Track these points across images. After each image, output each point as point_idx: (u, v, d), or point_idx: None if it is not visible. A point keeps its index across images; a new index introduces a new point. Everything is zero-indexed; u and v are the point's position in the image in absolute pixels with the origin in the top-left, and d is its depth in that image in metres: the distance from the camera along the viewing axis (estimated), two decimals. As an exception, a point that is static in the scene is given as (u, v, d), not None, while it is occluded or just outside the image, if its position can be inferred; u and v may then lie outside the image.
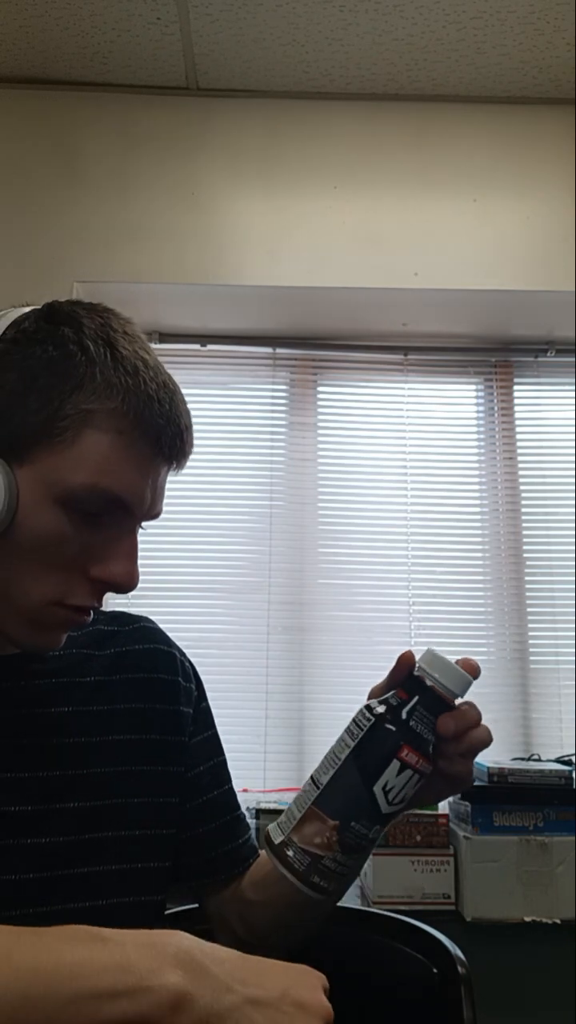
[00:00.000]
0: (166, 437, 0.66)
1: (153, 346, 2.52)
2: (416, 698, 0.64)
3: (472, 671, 0.65)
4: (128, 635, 0.82)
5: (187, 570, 2.09)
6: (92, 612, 0.69)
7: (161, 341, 2.18)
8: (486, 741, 0.67)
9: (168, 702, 0.80)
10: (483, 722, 0.67)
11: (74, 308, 0.68)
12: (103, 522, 0.65)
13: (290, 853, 0.61)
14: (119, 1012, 0.44)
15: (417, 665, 0.65)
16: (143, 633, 0.83)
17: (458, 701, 0.66)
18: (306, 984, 0.48)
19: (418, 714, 0.63)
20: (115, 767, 0.74)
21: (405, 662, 0.66)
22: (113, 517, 0.65)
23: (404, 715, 0.63)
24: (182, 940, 0.48)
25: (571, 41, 1.89)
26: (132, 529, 0.67)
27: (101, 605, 0.69)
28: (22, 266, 1.94)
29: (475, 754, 0.67)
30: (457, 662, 0.65)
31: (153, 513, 0.69)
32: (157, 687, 0.80)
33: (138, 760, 0.76)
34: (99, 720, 0.75)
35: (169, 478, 0.71)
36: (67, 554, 0.64)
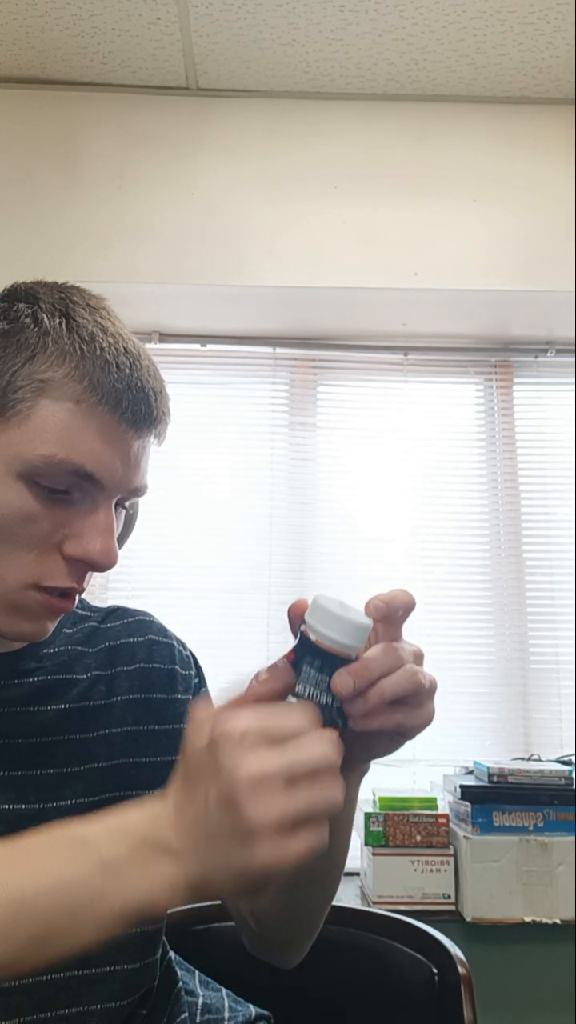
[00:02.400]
0: (127, 402, 0.63)
1: (153, 346, 2.50)
2: (303, 659, 0.54)
3: (374, 612, 0.55)
4: (123, 628, 0.82)
5: (187, 570, 2.08)
6: (75, 596, 0.67)
7: (161, 341, 2.18)
8: (407, 687, 0.55)
9: (165, 691, 0.80)
10: (430, 674, 0.56)
11: (34, 286, 0.68)
12: (74, 497, 0.63)
13: None
14: (116, 914, 0.48)
15: (303, 619, 0.55)
16: (138, 626, 0.83)
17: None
18: (268, 807, 0.47)
19: (305, 676, 0.53)
20: (111, 760, 0.74)
21: (293, 616, 0.57)
22: (84, 492, 0.63)
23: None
24: (151, 821, 0.51)
25: (571, 41, 1.89)
26: (107, 504, 0.64)
27: (83, 587, 0.67)
28: (22, 266, 1.94)
29: (406, 704, 0.56)
30: (370, 602, 0.55)
31: (131, 486, 0.66)
32: (153, 677, 0.79)
33: (135, 752, 0.75)
34: (94, 715, 0.75)
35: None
36: (38, 533, 0.62)
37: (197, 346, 2.22)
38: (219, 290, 2.01)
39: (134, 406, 0.64)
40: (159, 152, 2.04)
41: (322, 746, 0.49)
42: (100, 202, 2.00)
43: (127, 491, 0.66)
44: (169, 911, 0.55)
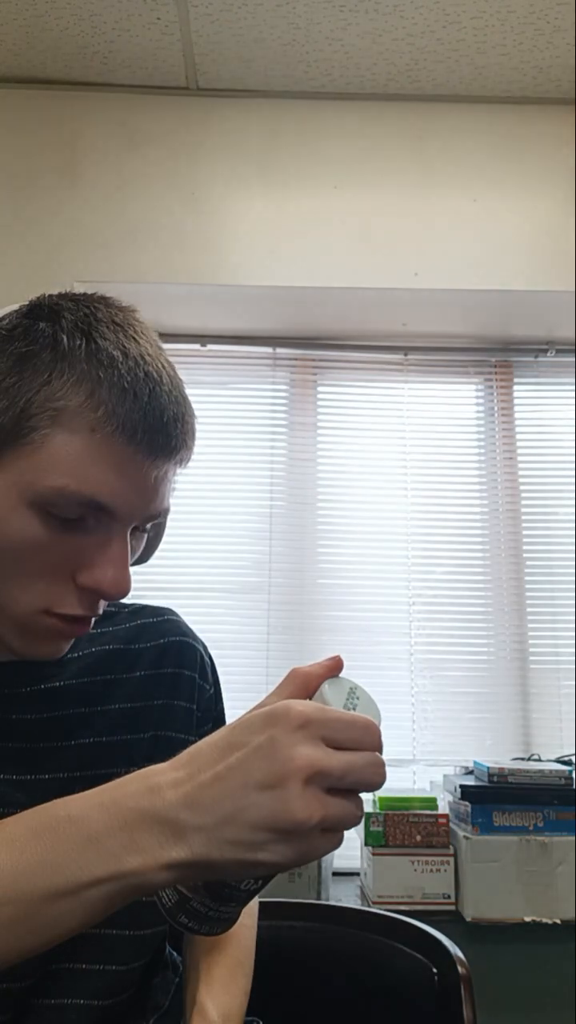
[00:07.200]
0: (143, 432, 0.61)
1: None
2: None
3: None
4: (156, 628, 0.81)
5: (187, 570, 2.08)
6: (89, 621, 0.65)
7: (161, 341, 2.17)
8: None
9: (187, 699, 0.80)
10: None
11: (60, 300, 0.65)
12: (88, 526, 0.62)
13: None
14: (104, 894, 0.46)
15: None
16: (171, 626, 0.82)
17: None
18: (280, 796, 0.44)
19: None
20: (135, 766, 0.74)
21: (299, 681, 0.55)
22: (98, 521, 0.62)
23: None
24: (152, 794, 0.48)
25: (571, 41, 1.89)
26: (121, 533, 0.63)
27: (96, 614, 0.66)
28: (22, 266, 1.94)
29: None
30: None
31: (148, 515, 0.64)
32: (180, 682, 0.79)
33: (157, 758, 0.75)
34: (119, 719, 0.74)
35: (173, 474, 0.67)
36: (49, 561, 0.61)
37: (197, 346, 2.22)
38: (219, 290, 2.01)
39: (150, 436, 0.61)
40: (159, 152, 2.04)
41: (374, 770, 0.47)
42: (100, 202, 2.00)
43: (143, 519, 0.65)
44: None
